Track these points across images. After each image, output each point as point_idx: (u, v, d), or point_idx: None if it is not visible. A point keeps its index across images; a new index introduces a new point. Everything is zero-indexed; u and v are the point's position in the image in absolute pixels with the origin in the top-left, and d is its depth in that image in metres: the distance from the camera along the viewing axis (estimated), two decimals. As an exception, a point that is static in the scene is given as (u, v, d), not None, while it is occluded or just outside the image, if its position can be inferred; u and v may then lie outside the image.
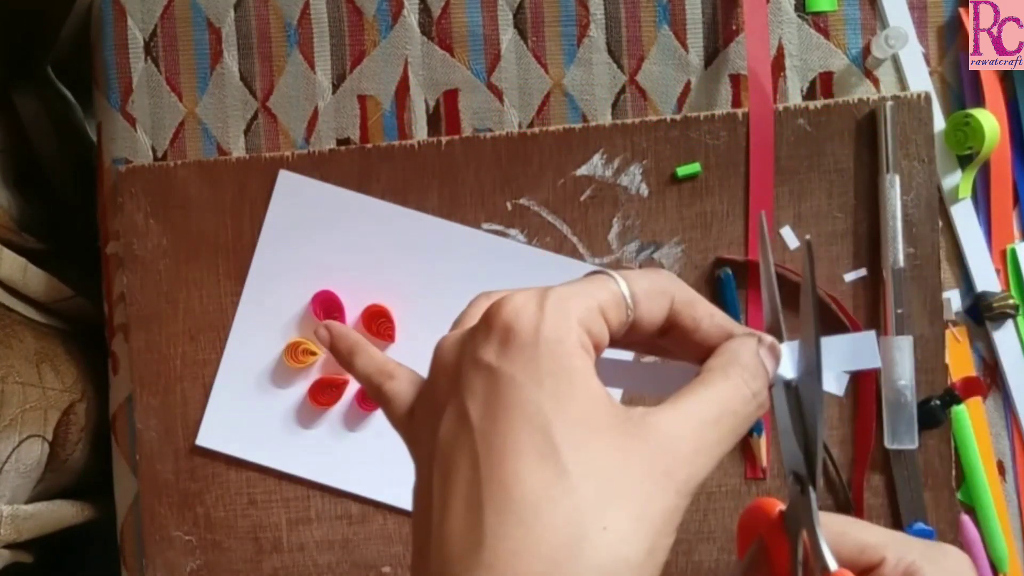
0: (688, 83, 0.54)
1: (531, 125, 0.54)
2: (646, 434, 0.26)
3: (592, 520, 0.24)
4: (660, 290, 0.28)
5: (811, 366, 0.28)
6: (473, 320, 0.29)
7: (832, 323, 0.52)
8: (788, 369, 0.29)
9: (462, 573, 0.24)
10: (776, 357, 0.29)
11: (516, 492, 0.24)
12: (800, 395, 0.29)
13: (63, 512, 0.60)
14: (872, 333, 0.30)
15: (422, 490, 0.28)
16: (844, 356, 0.30)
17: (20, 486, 0.56)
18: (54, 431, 0.58)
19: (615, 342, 0.29)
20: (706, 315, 0.29)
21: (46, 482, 0.59)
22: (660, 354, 0.31)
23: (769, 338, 0.29)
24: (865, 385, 0.51)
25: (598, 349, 0.27)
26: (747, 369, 0.28)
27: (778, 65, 0.53)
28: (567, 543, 0.24)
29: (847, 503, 0.52)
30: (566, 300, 0.27)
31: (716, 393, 0.27)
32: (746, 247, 0.52)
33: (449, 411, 0.27)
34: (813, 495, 0.29)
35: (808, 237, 0.36)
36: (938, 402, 0.50)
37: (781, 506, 0.30)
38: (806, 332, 0.28)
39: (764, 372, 0.28)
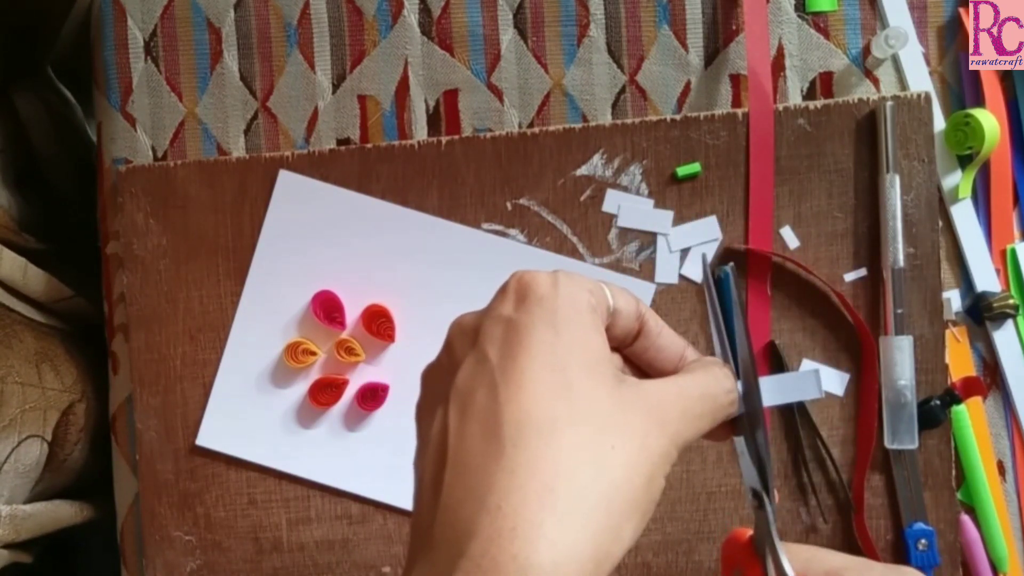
0: (688, 83, 0.54)
1: (531, 125, 0.54)
2: (641, 392, 0.29)
3: (603, 441, 0.27)
4: (630, 296, 0.32)
5: (750, 385, 0.32)
6: None
7: (835, 320, 0.52)
8: (814, 391, 0.33)
9: (483, 480, 0.26)
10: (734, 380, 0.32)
11: (535, 413, 0.27)
12: (747, 414, 0.32)
13: (62, 512, 0.60)
14: (816, 371, 0.34)
15: (424, 452, 0.29)
16: (788, 390, 0.33)
17: (19, 486, 0.56)
18: (53, 431, 0.58)
19: None
20: (664, 325, 0.33)
21: (45, 482, 0.59)
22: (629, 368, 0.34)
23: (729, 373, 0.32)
24: (867, 385, 0.51)
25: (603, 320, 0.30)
26: (722, 370, 0.31)
27: (778, 65, 0.53)
28: (583, 455, 0.26)
29: (847, 503, 0.52)
30: (575, 276, 0.30)
31: (698, 378, 0.31)
32: (745, 245, 0.52)
33: (468, 360, 0.29)
34: (769, 509, 0.32)
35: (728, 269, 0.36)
36: (938, 402, 0.50)
37: (750, 531, 0.33)
38: (742, 353, 0.32)
39: (733, 379, 0.32)
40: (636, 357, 0.33)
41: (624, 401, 0.28)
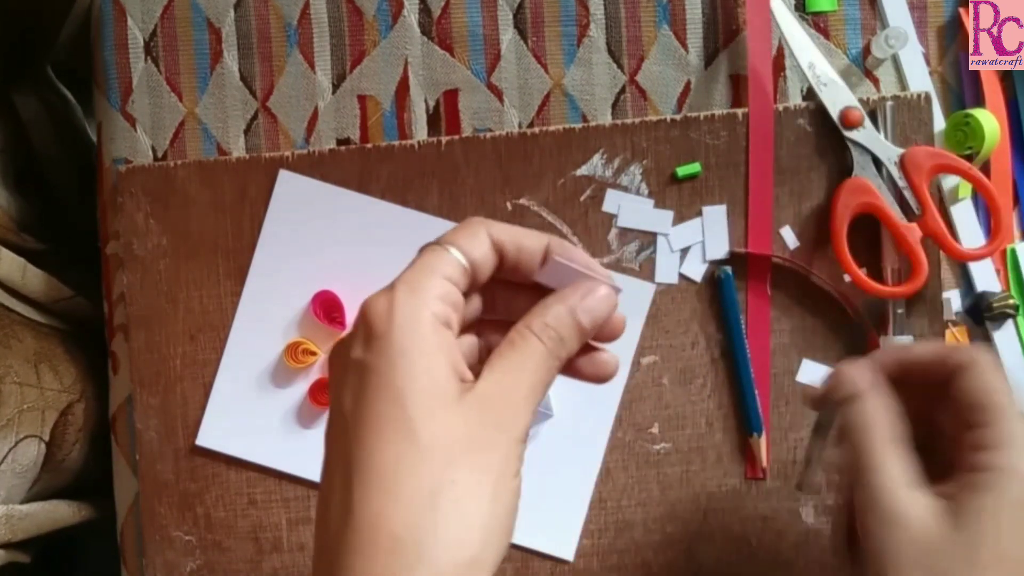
0: (688, 83, 0.54)
1: (531, 125, 0.54)
2: (479, 399, 0.29)
3: (442, 477, 0.28)
4: (472, 232, 0.32)
5: None
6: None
7: (835, 321, 0.52)
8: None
9: (339, 543, 0.28)
10: (606, 307, 0.32)
11: (376, 462, 0.28)
12: None
13: (59, 512, 0.60)
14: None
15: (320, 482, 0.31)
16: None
17: (16, 486, 0.56)
18: (51, 431, 0.58)
19: (471, 294, 0.33)
20: (522, 234, 0.33)
21: (43, 482, 0.59)
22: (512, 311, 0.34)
23: (601, 290, 0.32)
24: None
25: (457, 309, 0.31)
26: (553, 330, 0.31)
27: (778, 65, 0.53)
28: (424, 499, 0.27)
29: (848, 503, 0.52)
30: (416, 281, 0.30)
31: (523, 358, 0.31)
32: (745, 246, 0.52)
33: (332, 408, 0.31)
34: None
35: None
36: (938, 402, 0.50)
37: None
38: None
39: (575, 326, 0.31)
40: (502, 276, 0.33)
41: (466, 418, 0.29)
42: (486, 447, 0.29)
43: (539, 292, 0.33)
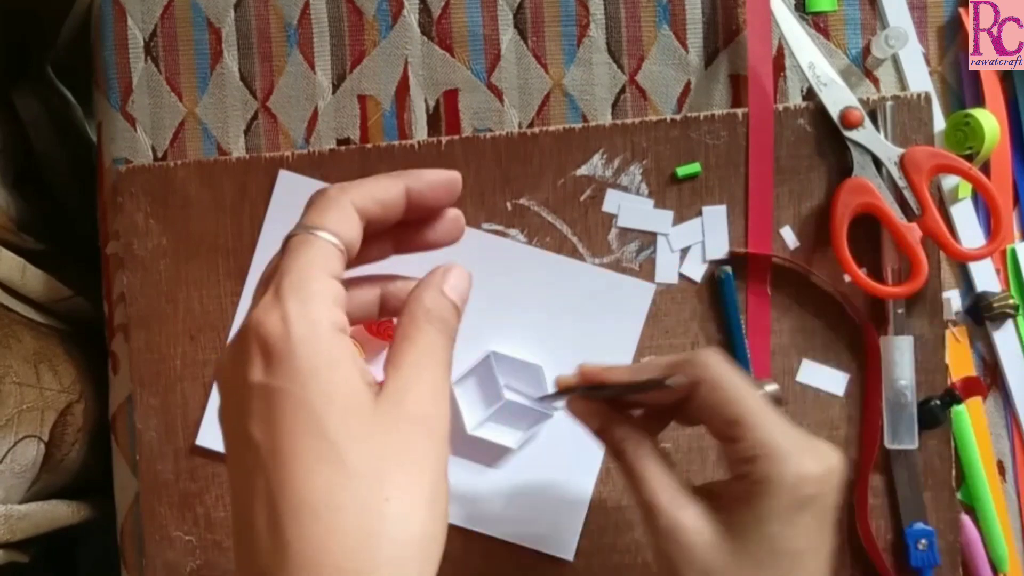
0: (688, 83, 0.54)
1: (531, 125, 0.54)
2: (392, 403, 0.28)
3: (376, 497, 0.26)
4: (339, 208, 0.30)
5: None
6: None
7: (835, 321, 0.52)
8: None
9: None
10: (466, 281, 0.32)
11: (305, 493, 0.26)
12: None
13: (58, 512, 0.60)
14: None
15: (232, 513, 0.29)
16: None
17: (15, 486, 0.56)
18: (50, 432, 0.58)
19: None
20: (379, 189, 0.31)
21: (42, 482, 0.59)
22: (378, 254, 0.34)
23: (456, 270, 0.32)
24: (872, 385, 0.51)
25: (344, 306, 0.29)
26: (436, 313, 0.31)
27: (778, 65, 0.53)
28: (361, 524, 0.26)
29: (848, 503, 0.52)
30: (303, 288, 0.28)
31: (423, 349, 0.30)
32: (745, 246, 0.52)
33: (236, 438, 0.28)
34: None
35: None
36: (938, 402, 0.50)
37: None
38: None
39: (452, 305, 0.31)
40: (380, 232, 0.32)
41: (385, 425, 0.28)
42: (415, 454, 0.28)
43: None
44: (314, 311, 0.28)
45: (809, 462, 0.34)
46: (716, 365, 0.36)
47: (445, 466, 0.29)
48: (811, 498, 0.34)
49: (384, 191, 0.31)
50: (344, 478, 0.26)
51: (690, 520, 0.35)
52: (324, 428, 0.27)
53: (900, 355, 0.50)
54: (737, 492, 0.35)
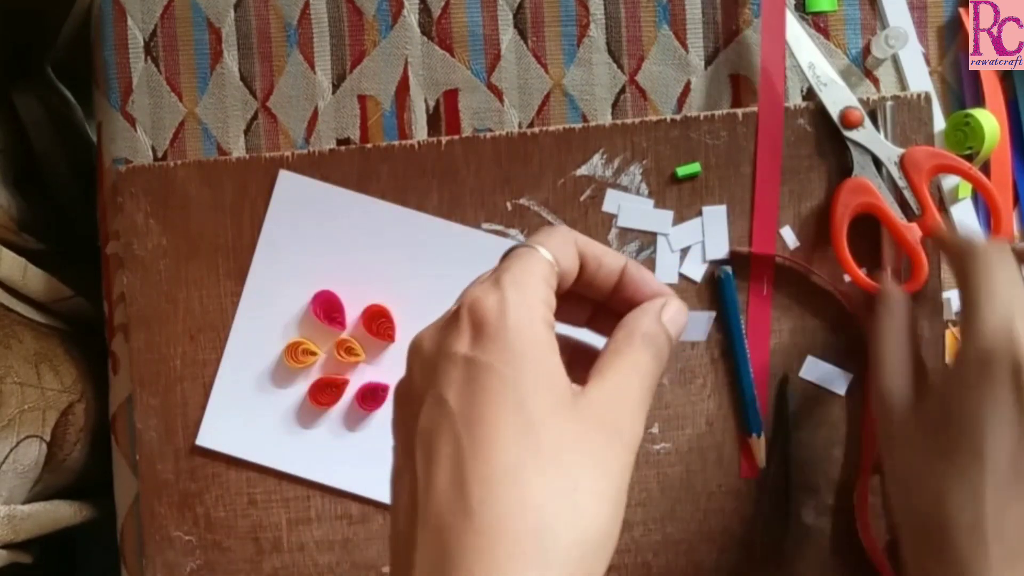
0: (688, 83, 0.54)
1: (531, 125, 0.54)
2: (593, 406, 0.29)
3: (565, 482, 0.27)
4: (564, 239, 0.32)
5: None
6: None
7: (835, 320, 0.52)
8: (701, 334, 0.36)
9: (454, 540, 0.26)
10: (684, 317, 0.33)
11: (497, 463, 0.27)
12: None
13: (61, 512, 0.60)
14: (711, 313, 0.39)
15: (401, 477, 0.30)
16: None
17: (17, 486, 0.56)
18: (52, 431, 0.58)
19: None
20: (602, 251, 0.33)
21: (44, 482, 0.59)
22: (573, 319, 0.35)
23: (677, 307, 0.33)
24: (872, 385, 0.51)
25: (553, 315, 0.30)
26: (651, 338, 0.31)
27: (778, 65, 0.53)
28: (548, 505, 0.27)
29: (849, 502, 0.52)
30: (523, 282, 0.29)
31: (632, 365, 0.30)
32: (749, 246, 0.52)
33: (428, 401, 0.29)
34: None
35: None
36: (938, 402, 0.50)
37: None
38: None
39: (666, 335, 0.32)
40: (583, 290, 0.33)
41: (583, 423, 0.28)
42: (606, 456, 0.28)
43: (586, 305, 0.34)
44: (530, 301, 0.29)
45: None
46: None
47: (627, 480, 0.29)
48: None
49: (605, 254, 0.33)
50: (537, 458, 0.27)
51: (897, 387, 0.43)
52: (526, 407, 0.27)
53: (900, 355, 0.50)
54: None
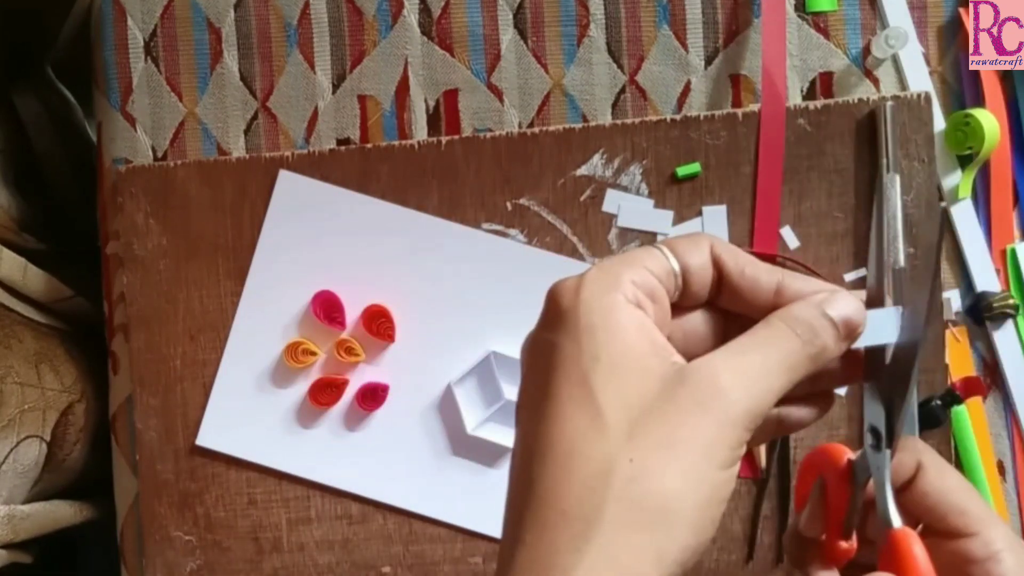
0: (688, 83, 0.54)
1: (531, 125, 0.54)
2: (693, 380, 0.28)
3: (621, 453, 0.27)
4: (695, 242, 0.30)
5: (914, 331, 0.30)
6: None
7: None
8: (891, 334, 0.31)
9: (520, 518, 0.28)
10: (861, 316, 0.30)
11: (555, 438, 0.27)
12: (894, 356, 0.31)
13: (61, 512, 0.60)
14: (897, 309, 0.31)
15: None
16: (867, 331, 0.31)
17: (17, 486, 0.56)
18: (52, 432, 0.58)
19: (678, 308, 0.31)
20: (748, 261, 0.30)
21: (44, 482, 0.59)
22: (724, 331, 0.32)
23: (846, 299, 0.30)
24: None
25: (656, 300, 0.29)
26: (798, 321, 0.29)
27: (778, 65, 0.53)
28: (598, 476, 0.26)
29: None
30: (609, 267, 0.29)
31: (762, 340, 0.29)
32: (750, 246, 0.52)
33: (521, 382, 0.31)
34: (887, 453, 0.31)
35: (944, 204, 0.47)
36: (938, 402, 0.50)
37: (851, 455, 0.32)
38: (917, 299, 0.30)
39: (830, 328, 0.29)
40: (726, 304, 0.31)
41: (661, 395, 0.27)
42: (684, 427, 0.27)
43: None
44: (609, 283, 0.29)
45: None
46: (926, 449, 0.34)
47: (720, 458, 0.27)
48: None
49: (753, 264, 0.30)
50: (596, 431, 0.27)
51: None
52: (587, 380, 0.27)
53: (900, 355, 0.50)
54: None
